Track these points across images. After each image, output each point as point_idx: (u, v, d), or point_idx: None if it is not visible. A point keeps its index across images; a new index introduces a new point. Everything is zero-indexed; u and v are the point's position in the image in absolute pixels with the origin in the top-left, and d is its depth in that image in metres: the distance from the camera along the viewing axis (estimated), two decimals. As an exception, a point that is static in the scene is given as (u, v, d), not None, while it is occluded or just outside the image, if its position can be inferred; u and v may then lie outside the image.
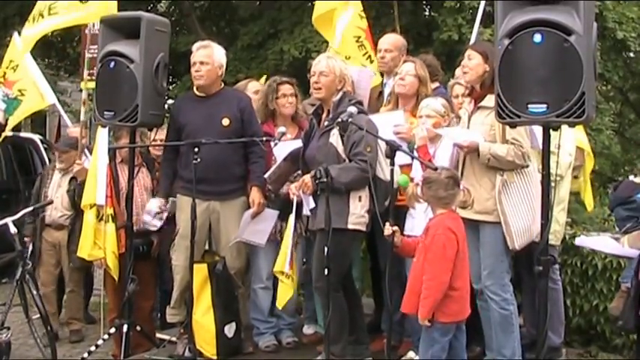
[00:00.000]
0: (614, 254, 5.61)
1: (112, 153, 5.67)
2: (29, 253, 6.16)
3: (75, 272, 6.34)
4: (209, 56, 5.33)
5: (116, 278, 5.52)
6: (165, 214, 5.47)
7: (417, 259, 4.27)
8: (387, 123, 5.06)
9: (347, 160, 4.77)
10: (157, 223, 5.48)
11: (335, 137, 4.83)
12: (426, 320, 4.13)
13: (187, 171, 5.11)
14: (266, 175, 5.24)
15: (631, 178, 5.48)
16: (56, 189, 6.38)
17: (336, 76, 4.94)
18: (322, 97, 5.00)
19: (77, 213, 6.08)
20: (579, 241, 5.40)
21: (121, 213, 5.49)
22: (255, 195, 5.27)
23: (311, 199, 4.84)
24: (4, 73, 6.73)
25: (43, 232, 6.43)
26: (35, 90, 6.91)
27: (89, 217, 5.60)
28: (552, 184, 5.14)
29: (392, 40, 5.95)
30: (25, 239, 6.29)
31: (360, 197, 4.79)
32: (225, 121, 5.26)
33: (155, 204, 5.46)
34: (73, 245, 6.02)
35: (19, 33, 6.83)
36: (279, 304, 5.14)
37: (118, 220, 5.49)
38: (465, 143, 4.51)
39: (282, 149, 5.25)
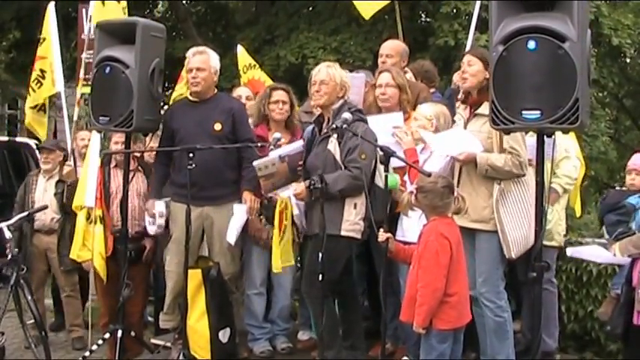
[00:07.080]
0: (607, 263, 5.63)
1: (107, 157, 5.65)
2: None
3: (69, 275, 6.25)
4: (205, 62, 5.34)
5: (104, 280, 5.50)
6: (162, 221, 5.37)
7: (412, 267, 4.23)
8: (386, 125, 5.05)
9: (343, 167, 4.78)
10: (152, 229, 5.44)
11: (333, 144, 4.84)
12: (420, 328, 4.09)
13: (180, 176, 5.10)
14: (255, 163, 5.04)
15: (617, 188, 5.52)
16: (43, 194, 6.31)
17: (336, 84, 4.96)
18: (323, 104, 5.00)
19: (66, 216, 6.05)
20: (571, 251, 5.42)
21: (109, 216, 5.47)
22: (247, 196, 5.27)
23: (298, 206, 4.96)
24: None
25: (33, 238, 6.35)
26: (50, 74, 7.23)
27: (80, 218, 5.59)
28: (571, 187, 5.36)
29: (393, 45, 5.96)
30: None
31: (355, 204, 4.79)
32: (217, 126, 5.26)
33: (157, 207, 5.32)
34: (63, 249, 5.98)
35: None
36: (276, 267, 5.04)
37: (106, 222, 5.46)
38: (461, 157, 4.48)
39: (280, 150, 5.24)
